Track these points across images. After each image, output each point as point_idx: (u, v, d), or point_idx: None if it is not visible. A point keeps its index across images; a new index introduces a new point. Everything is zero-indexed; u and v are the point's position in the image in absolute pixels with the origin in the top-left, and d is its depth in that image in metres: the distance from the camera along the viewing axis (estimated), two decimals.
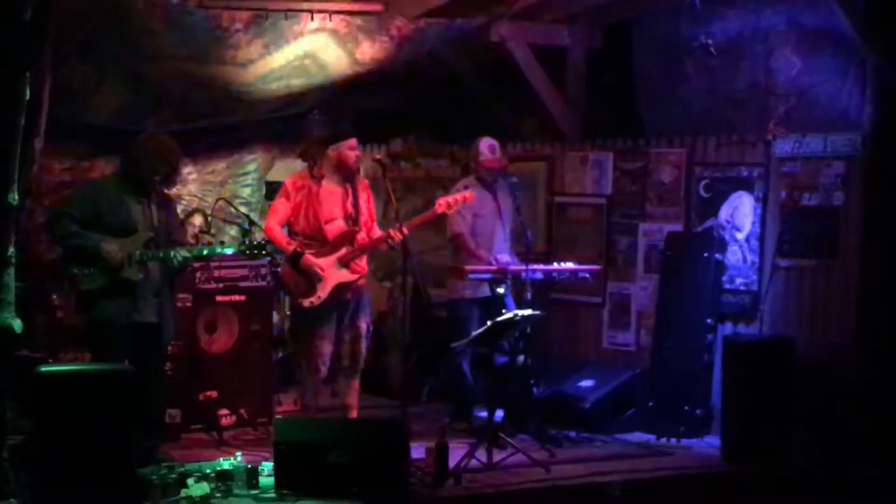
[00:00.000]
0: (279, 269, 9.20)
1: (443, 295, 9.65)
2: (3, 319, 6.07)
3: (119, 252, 6.88)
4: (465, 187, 8.24)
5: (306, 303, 7.54)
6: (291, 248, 7.57)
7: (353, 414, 7.78)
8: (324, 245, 7.62)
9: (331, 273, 7.55)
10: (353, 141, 7.73)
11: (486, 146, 8.50)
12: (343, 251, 7.61)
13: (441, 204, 7.81)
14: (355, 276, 7.65)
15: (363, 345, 7.79)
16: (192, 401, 8.10)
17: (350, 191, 7.70)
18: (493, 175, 8.48)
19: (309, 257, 7.52)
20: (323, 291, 7.53)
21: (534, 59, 9.74)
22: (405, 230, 7.46)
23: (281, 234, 7.66)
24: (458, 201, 7.86)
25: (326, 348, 7.62)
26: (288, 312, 9.49)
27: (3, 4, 6.08)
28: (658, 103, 9.63)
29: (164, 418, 7.67)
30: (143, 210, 7.07)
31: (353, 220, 7.70)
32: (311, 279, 7.53)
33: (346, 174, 7.68)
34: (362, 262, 7.74)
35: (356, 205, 7.67)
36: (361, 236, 7.67)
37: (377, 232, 7.75)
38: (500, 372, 8.10)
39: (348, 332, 7.72)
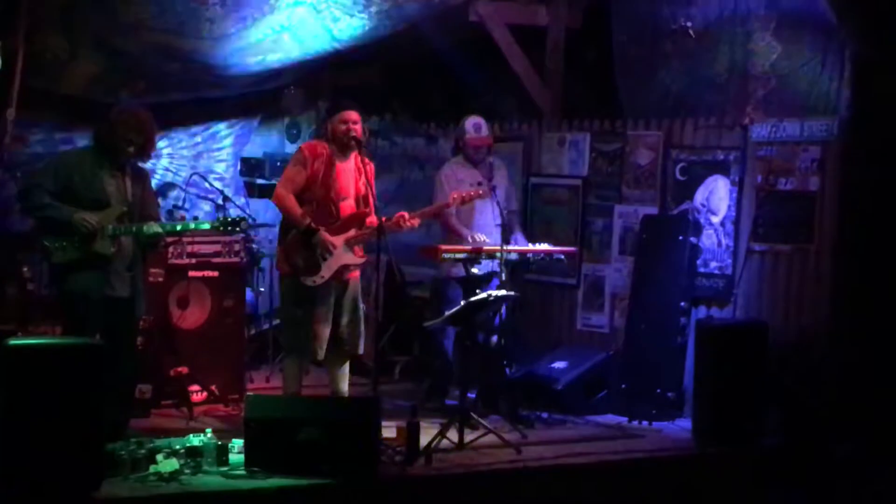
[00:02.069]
0: (254, 245, 9.21)
1: (416, 273, 9.65)
2: None
3: (93, 220, 6.78)
4: (453, 171, 8.24)
5: (309, 281, 7.30)
6: (307, 221, 7.28)
7: None
8: (335, 221, 7.41)
9: (338, 253, 7.35)
10: (346, 113, 7.38)
11: (472, 125, 8.46)
12: (352, 232, 7.41)
13: (455, 198, 7.82)
14: (360, 260, 7.47)
15: (362, 326, 7.60)
16: (163, 376, 8.06)
17: (362, 170, 7.44)
18: (479, 153, 8.43)
19: (325, 235, 7.26)
20: (327, 271, 7.32)
21: (512, 38, 9.72)
22: (415, 222, 7.44)
23: (294, 205, 7.32)
24: (472, 197, 7.90)
25: (324, 331, 7.39)
26: (261, 290, 9.51)
27: None
28: (636, 85, 9.61)
29: (134, 393, 7.62)
30: (117, 183, 6.97)
31: (363, 201, 7.50)
32: (317, 257, 7.31)
33: (342, 146, 7.39)
34: (363, 249, 7.54)
35: (367, 186, 7.41)
36: (371, 219, 7.41)
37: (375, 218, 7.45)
38: (476, 352, 8.08)
39: (350, 313, 7.52)
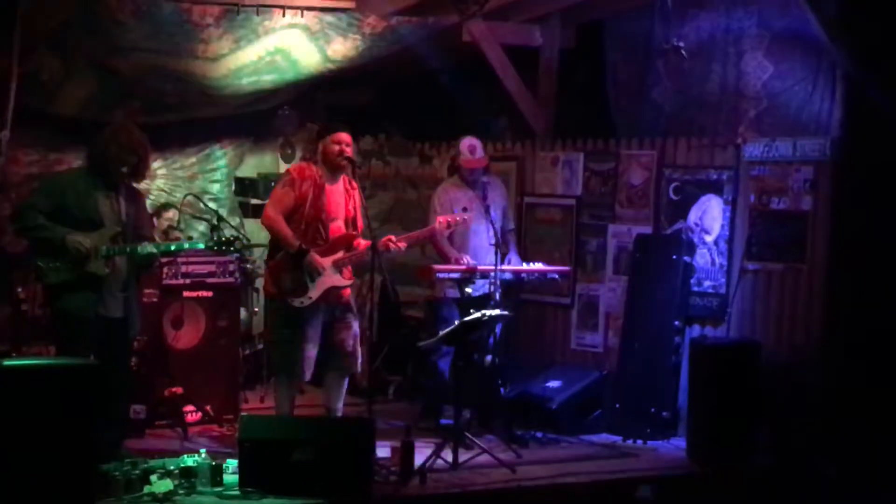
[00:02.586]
0: (249, 266, 9.21)
1: (410, 294, 9.65)
2: None
3: (86, 242, 6.79)
4: (446, 191, 8.26)
5: (297, 302, 7.31)
6: (297, 243, 7.29)
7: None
8: (324, 243, 7.42)
9: (327, 274, 7.35)
10: (339, 135, 7.40)
11: (467, 146, 8.47)
12: (340, 254, 7.41)
13: (441, 222, 7.81)
14: (347, 283, 7.47)
15: (357, 344, 7.59)
16: (157, 396, 8.04)
17: (351, 192, 7.47)
18: (474, 175, 8.44)
19: (315, 256, 7.28)
20: (315, 292, 7.32)
21: (506, 58, 9.73)
22: (402, 245, 7.44)
23: (285, 226, 7.33)
24: (458, 222, 7.89)
25: (311, 352, 7.39)
26: (256, 310, 9.51)
27: None
28: (629, 104, 9.64)
29: (128, 413, 7.61)
30: (111, 204, 6.98)
31: (352, 223, 7.51)
32: (305, 278, 7.32)
33: (332, 168, 7.42)
34: (351, 272, 7.56)
35: (356, 208, 7.42)
36: (359, 241, 7.43)
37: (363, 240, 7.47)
38: (470, 372, 8.08)
39: (342, 332, 7.50)
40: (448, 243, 8.40)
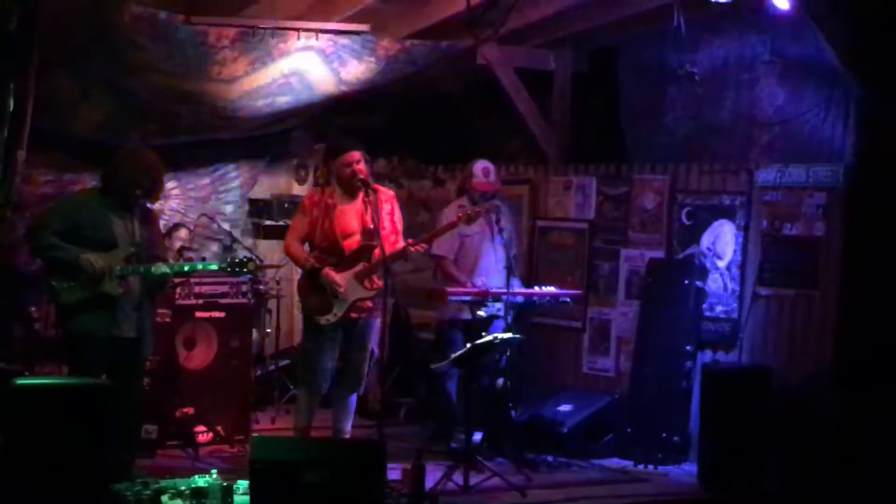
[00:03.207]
0: (262, 287, 9.24)
1: (422, 316, 9.66)
2: None
3: (99, 262, 6.82)
4: (460, 206, 8.23)
5: (323, 320, 7.39)
6: (309, 263, 7.44)
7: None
8: (341, 259, 7.46)
9: (347, 289, 7.39)
10: (350, 155, 7.44)
11: (481, 169, 8.49)
12: (360, 267, 7.43)
13: (460, 216, 7.67)
14: (372, 293, 7.48)
15: (366, 368, 7.65)
16: (168, 417, 8.06)
17: (368, 204, 7.45)
18: (485, 198, 8.44)
19: (328, 271, 7.37)
20: (340, 309, 7.40)
21: (519, 82, 9.76)
22: (423, 245, 7.47)
23: (298, 250, 7.54)
24: (479, 213, 7.77)
25: (328, 364, 7.49)
26: (268, 331, 9.55)
27: None
28: (642, 129, 9.66)
29: (140, 433, 7.63)
30: (125, 225, 7.01)
31: (370, 234, 7.48)
32: (327, 295, 7.39)
33: (348, 189, 7.49)
34: (378, 279, 7.47)
35: (376, 218, 7.39)
36: (379, 251, 7.37)
37: (401, 245, 7.49)
38: (481, 394, 8.08)
39: (356, 353, 7.57)
40: (455, 268, 8.42)
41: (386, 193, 7.64)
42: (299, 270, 7.78)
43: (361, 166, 7.46)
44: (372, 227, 7.42)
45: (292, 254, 7.58)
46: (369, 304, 7.53)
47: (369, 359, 7.68)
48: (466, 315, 8.27)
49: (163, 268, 7.03)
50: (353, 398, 7.70)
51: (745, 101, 8.81)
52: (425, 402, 9.41)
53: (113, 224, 6.96)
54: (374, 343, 7.68)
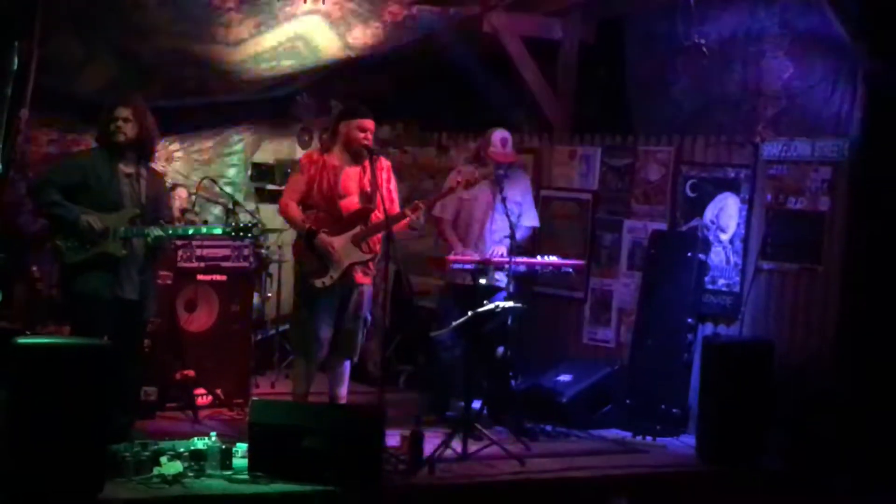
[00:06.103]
0: (264, 251, 9.23)
1: (424, 284, 9.64)
2: None
3: (98, 223, 6.78)
4: (459, 171, 8.22)
5: (318, 283, 7.36)
6: (307, 225, 7.39)
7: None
8: (338, 221, 7.44)
9: (344, 253, 7.37)
10: (364, 122, 7.44)
11: (499, 139, 8.36)
12: (357, 230, 7.42)
13: (459, 182, 7.76)
14: (368, 256, 7.48)
15: (360, 336, 7.63)
16: (168, 379, 8.07)
17: (367, 169, 7.45)
18: (500, 168, 8.35)
19: (323, 236, 7.34)
20: (336, 272, 7.37)
21: (526, 50, 9.72)
22: (422, 206, 7.43)
23: (296, 211, 7.47)
24: (477, 179, 7.82)
25: (325, 333, 7.46)
26: (269, 295, 9.53)
27: None
28: (648, 100, 9.63)
29: (139, 395, 7.63)
30: (132, 184, 6.98)
31: (368, 198, 7.47)
32: (323, 259, 7.36)
33: (353, 153, 7.47)
34: (376, 243, 7.53)
35: (374, 183, 7.39)
36: (376, 215, 7.40)
37: (395, 211, 7.48)
38: (482, 363, 8.06)
39: (350, 322, 7.54)
40: (453, 233, 8.39)
41: (384, 163, 7.63)
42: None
43: (371, 136, 7.47)
44: (370, 190, 7.42)
45: (290, 214, 7.51)
46: (366, 276, 7.52)
47: (363, 327, 7.67)
48: (468, 283, 8.24)
49: (168, 230, 7.01)
50: (347, 364, 7.69)
51: (752, 73, 8.76)
52: (425, 369, 9.41)
53: (120, 184, 6.92)
54: (367, 311, 7.67)
